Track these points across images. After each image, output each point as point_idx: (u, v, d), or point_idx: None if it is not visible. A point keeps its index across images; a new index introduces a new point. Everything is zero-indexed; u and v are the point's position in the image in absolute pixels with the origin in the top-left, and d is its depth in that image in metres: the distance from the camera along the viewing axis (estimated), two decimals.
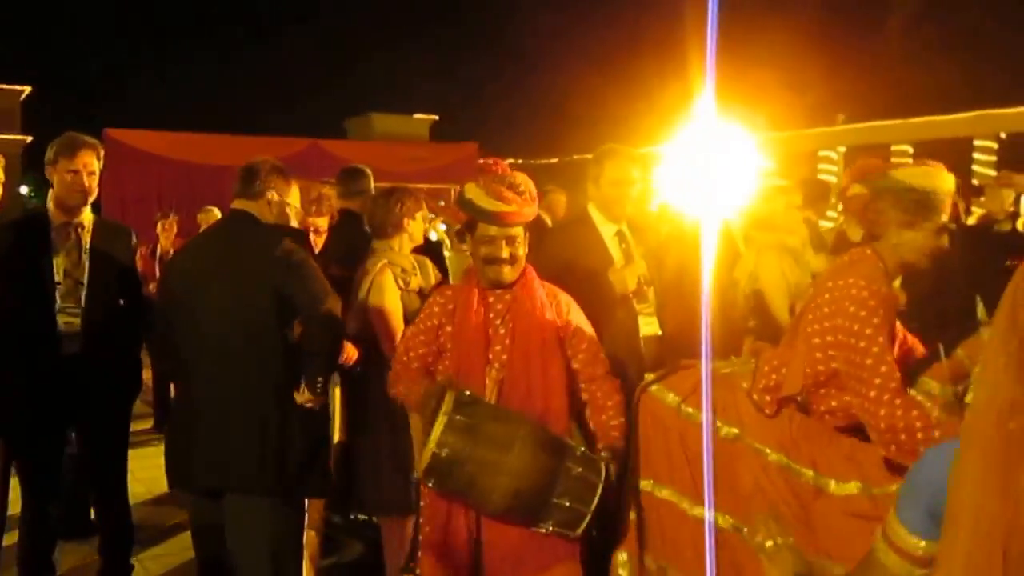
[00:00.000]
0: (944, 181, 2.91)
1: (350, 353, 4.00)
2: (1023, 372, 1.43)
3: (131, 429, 4.39)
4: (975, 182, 12.44)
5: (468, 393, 2.97)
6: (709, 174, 3.95)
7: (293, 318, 3.36)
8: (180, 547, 4.89)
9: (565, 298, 3.36)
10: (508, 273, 3.21)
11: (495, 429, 2.90)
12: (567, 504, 2.90)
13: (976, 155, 17.74)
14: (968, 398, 2.56)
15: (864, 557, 1.71)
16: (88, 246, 4.12)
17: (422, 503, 3.21)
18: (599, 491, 2.92)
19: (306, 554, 4.00)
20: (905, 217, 2.92)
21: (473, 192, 3.21)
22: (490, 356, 3.18)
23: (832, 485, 2.91)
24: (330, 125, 20.16)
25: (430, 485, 3.00)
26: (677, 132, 3.83)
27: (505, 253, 3.18)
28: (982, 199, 7.08)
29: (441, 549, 3.10)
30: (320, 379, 3.37)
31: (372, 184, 5.29)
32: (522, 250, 3.24)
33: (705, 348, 3.06)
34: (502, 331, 3.21)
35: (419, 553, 3.23)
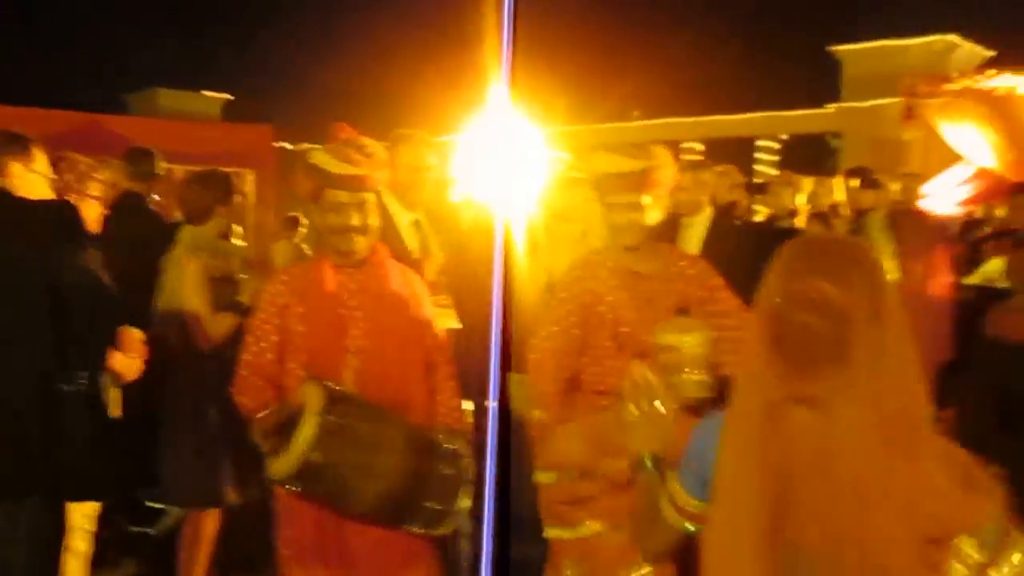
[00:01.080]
0: (607, 163, 3.09)
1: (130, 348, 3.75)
2: (773, 352, 1.64)
3: None
4: (757, 180, 13.16)
5: (337, 388, 2.80)
6: (506, 166, 3.91)
7: (61, 302, 3.03)
8: None
9: (416, 277, 3.25)
10: (360, 243, 3.02)
11: (366, 429, 2.77)
12: (435, 506, 2.85)
13: (759, 155, 18.81)
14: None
15: (650, 502, 1.94)
16: None
17: (277, 508, 3.02)
18: (464, 489, 2.89)
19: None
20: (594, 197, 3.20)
21: (319, 157, 3.01)
22: (346, 342, 2.98)
23: None
24: (109, 99, 18.68)
25: (295, 489, 2.81)
26: (473, 122, 3.78)
27: (356, 220, 2.99)
28: (767, 197, 7.42)
29: (304, 555, 2.96)
30: (88, 370, 3.09)
31: (160, 166, 5.11)
32: (374, 219, 3.06)
33: (495, 340, 3.02)
34: (358, 314, 3.00)
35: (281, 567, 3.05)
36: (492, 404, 3.05)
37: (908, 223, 5.90)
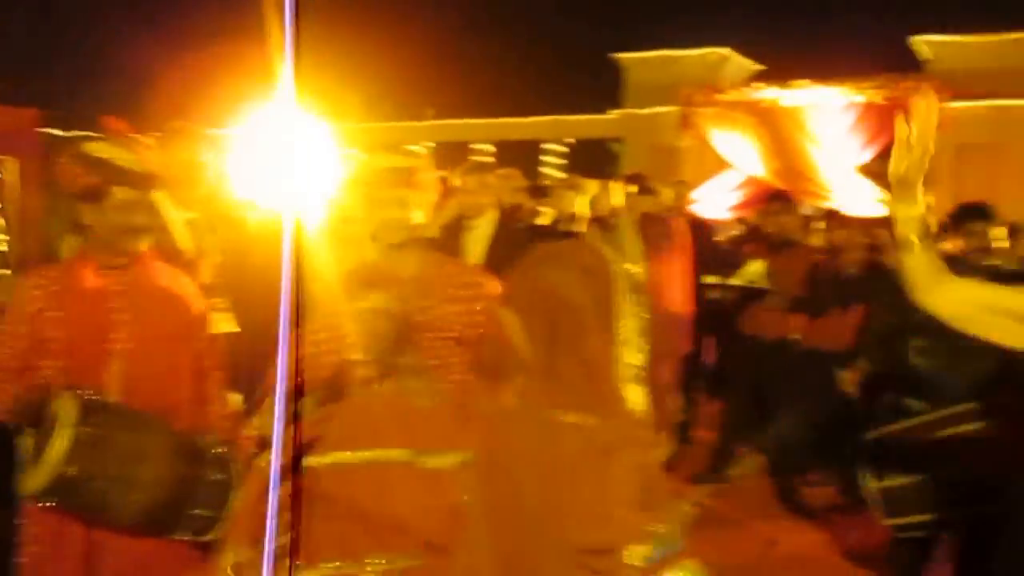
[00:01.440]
0: (375, 160, 3.22)
1: None
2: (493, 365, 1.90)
3: None
4: (544, 183, 13.46)
5: (93, 396, 2.65)
6: (288, 162, 3.82)
7: None
8: None
9: (186, 278, 3.14)
10: (141, 244, 2.91)
11: (127, 439, 2.64)
12: (204, 513, 2.75)
13: (546, 158, 19.29)
14: None
15: None
16: None
17: (22, 521, 2.80)
18: (232, 495, 2.79)
19: None
20: None
21: (108, 151, 2.81)
22: (111, 346, 2.82)
23: None
24: None
25: (48, 505, 2.63)
26: (252, 116, 3.66)
27: (141, 220, 2.86)
28: (552, 201, 7.58)
29: (48, 572, 2.76)
30: None
31: None
32: (154, 218, 3.01)
33: (283, 344, 2.96)
34: (123, 316, 2.85)
35: None
36: (278, 409, 3.00)
37: (655, 226, 6.20)
